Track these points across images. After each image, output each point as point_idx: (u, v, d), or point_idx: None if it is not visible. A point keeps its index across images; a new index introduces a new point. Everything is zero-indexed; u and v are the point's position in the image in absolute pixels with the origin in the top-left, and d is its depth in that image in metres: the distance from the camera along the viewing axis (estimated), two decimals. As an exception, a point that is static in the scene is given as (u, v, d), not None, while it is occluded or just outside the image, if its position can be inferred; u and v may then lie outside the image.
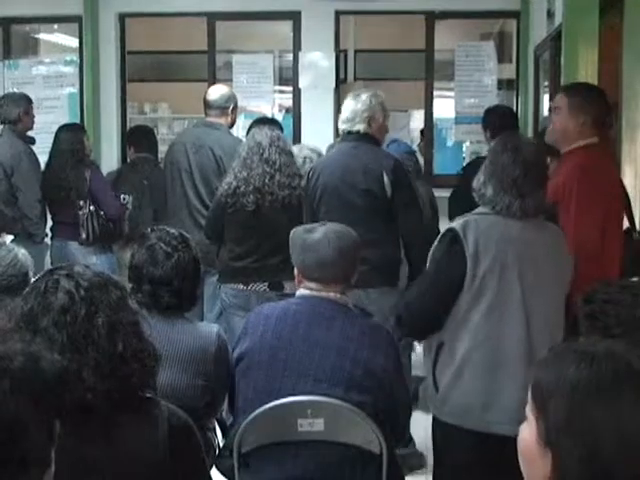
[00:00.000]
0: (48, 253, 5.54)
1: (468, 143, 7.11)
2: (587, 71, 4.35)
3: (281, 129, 5.08)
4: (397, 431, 2.84)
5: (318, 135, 6.34)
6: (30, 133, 5.69)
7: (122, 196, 5.70)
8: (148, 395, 1.94)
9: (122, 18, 7.08)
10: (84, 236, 5.32)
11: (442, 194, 5.36)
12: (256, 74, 7.02)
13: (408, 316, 3.02)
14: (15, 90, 6.45)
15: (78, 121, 6.65)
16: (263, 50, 7.47)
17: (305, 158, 4.89)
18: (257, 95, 7.00)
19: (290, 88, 7.19)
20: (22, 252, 3.28)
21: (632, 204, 4.13)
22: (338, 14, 6.89)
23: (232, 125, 5.14)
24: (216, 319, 4.60)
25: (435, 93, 7.04)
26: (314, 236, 2.79)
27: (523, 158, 2.85)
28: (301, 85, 6.94)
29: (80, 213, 5.32)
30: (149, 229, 2.91)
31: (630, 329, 2.18)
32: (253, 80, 7.00)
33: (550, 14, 5.51)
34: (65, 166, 5.36)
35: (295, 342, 2.68)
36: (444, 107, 7.38)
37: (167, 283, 2.74)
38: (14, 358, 1.38)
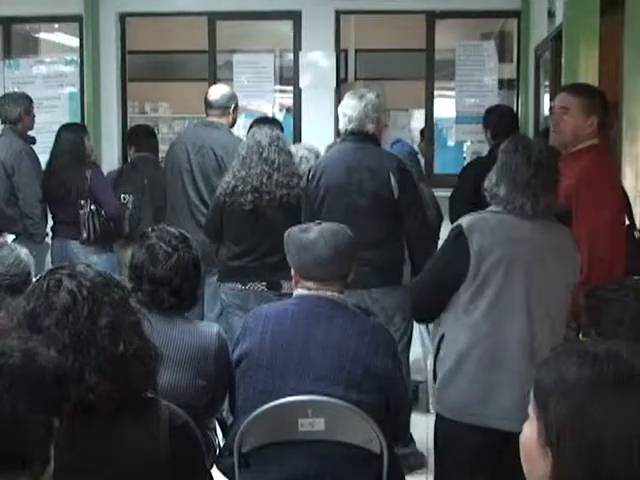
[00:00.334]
0: (49, 253, 5.54)
1: (469, 143, 7.11)
2: (588, 71, 4.35)
3: (282, 129, 5.08)
4: (397, 430, 2.85)
5: (318, 134, 6.34)
6: (31, 133, 5.69)
7: (122, 196, 5.70)
8: (149, 395, 1.94)
9: (123, 18, 7.08)
10: (85, 235, 5.33)
11: (442, 194, 5.35)
12: (257, 74, 7.02)
13: (412, 305, 3.18)
14: (16, 90, 6.44)
15: (78, 121, 6.65)
16: (264, 50, 7.46)
17: (302, 158, 4.89)
18: (258, 94, 7.00)
19: (291, 88, 7.18)
20: (24, 252, 3.28)
21: (632, 203, 4.14)
22: (339, 14, 6.89)
23: (233, 125, 5.15)
24: (217, 319, 4.60)
25: (436, 93, 7.03)
26: (310, 235, 2.80)
27: (536, 159, 2.87)
28: (302, 85, 6.94)
29: (81, 212, 5.32)
30: (149, 228, 2.91)
31: (628, 326, 2.19)
32: (254, 80, 7.00)
33: (551, 14, 5.51)
34: (66, 166, 5.37)
35: (294, 342, 2.68)
36: (445, 107, 7.38)
37: (167, 283, 2.73)
38: (12, 354, 1.38)
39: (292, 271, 2.85)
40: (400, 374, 2.82)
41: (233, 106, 5.05)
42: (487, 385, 2.83)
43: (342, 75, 7.49)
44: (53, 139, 5.53)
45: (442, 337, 2.93)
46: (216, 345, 2.75)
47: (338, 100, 6.51)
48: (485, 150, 5.73)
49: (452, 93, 7.04)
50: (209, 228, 4.47)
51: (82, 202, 5.32)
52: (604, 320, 2.33)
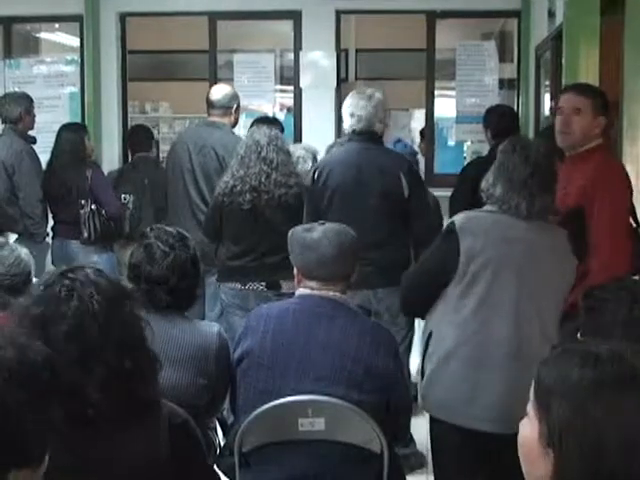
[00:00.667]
0: (49, 252, 5.54)
1: (469, 143, 7.10)
2: (588, 70, 4.35)
3: (282, 128, 5.08)
4: (398, 430, 2.85)
5: (319, 134, 6.35)
6: (31, 132, 5.69)
7: (123, 196, 5.71)
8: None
9: (123, 17, 7.07)
10: (85, 235, 5.33)
11: (443, 194, 5.35)
12: (257, 73, 7.01)
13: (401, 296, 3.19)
14: (16, 89, 6.44)
15: (79, 120, 6.65)
16: (264, 49, 7.46)
17: (299, 158, 4.89)
18: (258, 94, 6.99)
19: (291, 87, 7.18)
20: (25, 252, 3.28)
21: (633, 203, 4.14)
22: (339, 13, 6.89)
23: (235, 125, 5.14)
24: (217, 318, 4.60)
25: (436, 92, 7.02)
26: (313, 235, 2.80)
27: (534, 159, 2.87)
28: (302, 84, 6.93)
29: (81, 212, 5.32)
30: (148, 228, 2.90)
31: (623, 327, 2.19)
32: (254, 79, 7.00)
33: (551, 13, 5.51)
34: (66, 165, 5.37)
35: (296, 341, 2.68)
36: (445, 106, 7.38)
37: (164, 282, 2.72)
38: (5, 348, 1.38)
39: (295, 270, 2.85)
40: (401, 374, 2.82)
41: (235, 106, 5.04)
42: (473, 384, 2.83)
43: (342, 75, 7.48)
44: (53, 139, 5.52)
45: (430, 334, 2.93)
46: (217, 344, 2.75)
47: (339, 100, 6.52)
48: (485, 150, 5.73)
49: (452, 93, 7.04)
50: (208, 228, 4.47)
51: (82, 202, 5.32)
52: (600, 320, 2.33)
